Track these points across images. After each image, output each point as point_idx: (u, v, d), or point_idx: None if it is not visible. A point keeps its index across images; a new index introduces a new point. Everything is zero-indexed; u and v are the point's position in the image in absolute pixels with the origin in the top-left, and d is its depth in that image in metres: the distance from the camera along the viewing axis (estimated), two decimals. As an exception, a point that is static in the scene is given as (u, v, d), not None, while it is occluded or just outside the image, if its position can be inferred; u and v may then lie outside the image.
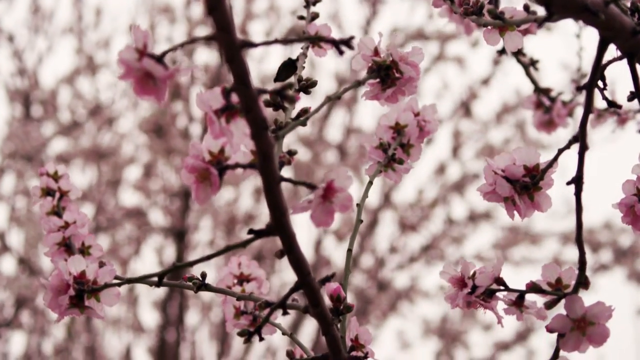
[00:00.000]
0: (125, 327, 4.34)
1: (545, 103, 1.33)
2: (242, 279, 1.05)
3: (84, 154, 3.76)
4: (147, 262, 4.30)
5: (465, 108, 4.07)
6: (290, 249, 0.72)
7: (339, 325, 0.85)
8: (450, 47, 4.09)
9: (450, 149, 4.33)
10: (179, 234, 3.98)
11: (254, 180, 4.15)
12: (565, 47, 4.34)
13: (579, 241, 0.77)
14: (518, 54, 1.25)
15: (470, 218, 4.44)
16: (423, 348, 4.50)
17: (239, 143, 0.72)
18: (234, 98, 0.70)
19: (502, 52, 1.24)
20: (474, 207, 4.45)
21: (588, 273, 0.78)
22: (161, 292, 4.36)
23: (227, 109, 0.70)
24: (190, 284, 0.91)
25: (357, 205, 0.95)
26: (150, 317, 4.45)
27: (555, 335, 0.77)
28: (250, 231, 0.74)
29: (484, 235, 4.53)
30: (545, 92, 1.31)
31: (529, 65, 1.28)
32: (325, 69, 4.46)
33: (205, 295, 4.50)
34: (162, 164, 3.87)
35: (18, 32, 4.27)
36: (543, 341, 4.34)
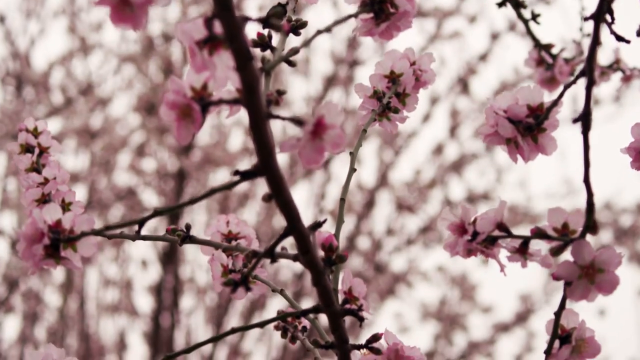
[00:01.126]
0: (120, 311, 4.30)
1: (547, 60, 1.28)
2: (231, 238, 1.00)
3: (75, 133, 3.71)
4: (140, 244, 4.25)
5: (463, 84, 4.02)
6: (279, 192, 0.67)
7: (331, 277, 0.80)
8: (447, 24, 4.05)
9: (447, 129, 4.28)
10: (173, 215, 3.93)
11: (250, 160, 4.11)
12: (564, 24, 4.29)
13: (587, 182, 0.72)
14: (518, 6, 1.20)
15: (469, 199, 4.40)
16: (421, 331, 4.46)
17: (223, 77, 0.67)
18: (217, 28, 0.66)
19: (501, 4, 1.19)
20: (472, 188, 4.41)
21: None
22: (155, 276, 4.32)
23: (210, 39, 0.66)
24: (174, 236, 0.86)
25: (351, 153, 0.91)
26: (144, 302, 4.41)
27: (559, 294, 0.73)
28: (236, 172, 0.70)
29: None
30: (547, 48, 1.26)
31: (530, 20, 1.23)
32: (321, 48, 4.40)
33: (201, 279, 4.46)
34: (154, 144, 3.82)
35: (10, 15, 4.22)
36: (543, 323, 4.29)
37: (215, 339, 0.78)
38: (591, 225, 0.73)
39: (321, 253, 0.79)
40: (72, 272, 4.27)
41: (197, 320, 4.47)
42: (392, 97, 0.95)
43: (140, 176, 3.85)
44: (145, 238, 0.88)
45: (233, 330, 0.78)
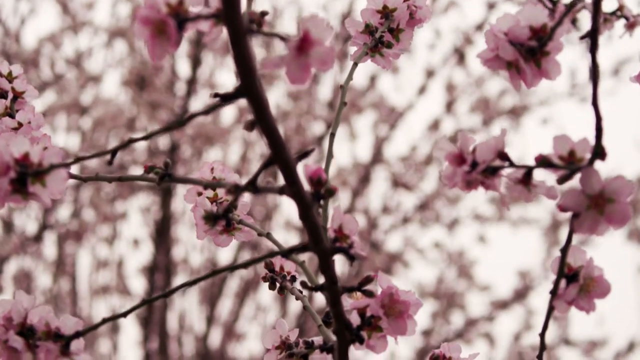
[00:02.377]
0: (112, 292, 4.26)
1: (547, 5, 1.23)
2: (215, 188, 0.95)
3: (65, 109, 3.66)
4: (133, 222, 4.21)
5: (459, 55, 3.97)
6: (262, 116, 0.62)
7: (320, 212, 0.75)
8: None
9: (444, 104, 4.23)
10: (165, 191, 3.89)
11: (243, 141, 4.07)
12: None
13: (595, 104, 0.67)
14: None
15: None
16: (418, 316, 4.41)
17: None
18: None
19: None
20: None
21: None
22: (148, 256, 4.27)
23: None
24: (151, 175, 0.81)
25: (341, 87, 0.86)
26: (137, 283, 4.36)
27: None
28: (216, 95, 0.65)
29: (480, 195, 4.45)
30: (547, -7, 1.20)
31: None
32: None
33: (195, 260, 4.42)
34: (145, 119, 3.77)
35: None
36: (542, 300, 4.26)
37: (196, 281, 0.73)
38: (600, 152, 0.68)
39: (309, 188, 0.74)
40: (64, 253, 4.22)
41: (190, 302, 4.43)
42: (385, 32, 0.91)
43: (130, 153, 3.80)
44: (122, 179, 0.84)
45: (214, 272, 0.73)
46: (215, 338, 4.36)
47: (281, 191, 0.69)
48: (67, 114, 3.72)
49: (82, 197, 4.03)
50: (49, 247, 4.14)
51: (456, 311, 4.29)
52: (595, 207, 0.67)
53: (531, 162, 0.71)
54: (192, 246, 4.40)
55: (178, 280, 4.39)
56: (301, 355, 0.84)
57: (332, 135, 0.81)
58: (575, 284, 0.71)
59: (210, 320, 4.28)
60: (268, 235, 0.83)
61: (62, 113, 3.75)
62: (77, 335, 0.76)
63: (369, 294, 0.75)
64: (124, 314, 0.76)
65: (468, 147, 0.71)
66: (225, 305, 4.38)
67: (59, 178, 0.71)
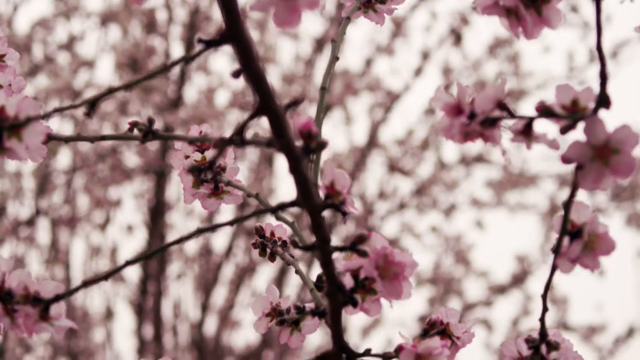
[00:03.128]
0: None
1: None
2: (204, 148, 0.92)
3: (58, 93, 3.62)
4: (127, 208, 4.18)
5: (456, 36, 3.93)
6: (248, 62, 0.59)
7: (311, 167, 0.72)
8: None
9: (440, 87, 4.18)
10: (159, 174, 3.85)
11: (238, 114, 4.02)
12: None
13: (600, 49, 0.64)
14: None
15: (463, 161, 4.32)
16: (416, 296, 4.39)
17: None
18: None
19: None
20: (466, 149, 4.33)
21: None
22: (142, 242, 4.24)
23: None
24: (135, 133, 0.78)
25: (333, 41, 0.83)
26: (131, 270, 4.33)
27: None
28: (200, 40, 0.61)
29: (478, 180, 4.42)
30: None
31: None
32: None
33: (189, 248, 4.39)
34: (138, 102, 3.73)
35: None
36: (540, 285, 4.23)
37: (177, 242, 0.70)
38: (604, 100, 0.64)
39: (299, 141, 0.71)
40: (57, 241, 4.19)
41: (185, 289, 4.40)
42: (378, -14, 0.87)
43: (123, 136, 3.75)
44: (105, 138, 0.80)
45: (199, 231, 0.70)
46: (210, 326, 4.33)
47: (269, 144, 0.66)
48: (60, 98, 3.68)
49: (75, 183, 3.99)
50: (42, 233, 4.11)
51: (453, 297, 4.26)
52: (599, 158, 0.64)
53: (532, 113, 0.68)
54: (187, 233, 4.36)
55: (173, 267, 4.36)
56: (292, 322, 0.81)
57: (323, 90, 0.78)
58: (579, 240, 0.68)
59: (205, 307, 4.25)
60: (257, 196, 0.80)
61: (55, 97, 3.71)
62: (57, 298, 0.73)
63: (363, 254, 0.72)
64: (105, 277, 0.72)
65: (466, 97, 0.68)
66: (220, 293, 4.35)
67: (36, 132, 0.68)
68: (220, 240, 4.40)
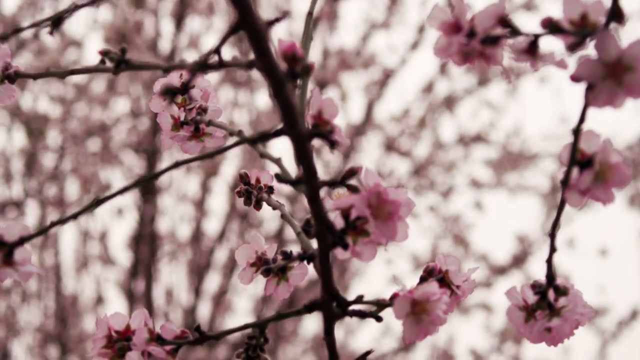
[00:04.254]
0: (96, 264, 4.18)
1: None
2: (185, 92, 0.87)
3: (44, 69, 3.56)
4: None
5: (452, 7, 3.86)
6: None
7: (297, 93, 0.67)
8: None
9: (437, 65, 4.15)
10: (150, 154, 3.80)
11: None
12: None
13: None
14: None
15: (461, 141, 4.27)
16: (414, 279, 4.33)
17: None
18: None
19: None
20: (464, 129, 4.29)
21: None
22: (132, 226, 4.19)
23: None
24: (107, 64, 0.72)
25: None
26: (122, 255, 4.28)
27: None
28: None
29: (477, 160, 4.37)
30: None
31: None
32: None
33: (182, 235, 4.34)
34: (127, 81, 3.67)
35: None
36: (541, 266, 4.18)
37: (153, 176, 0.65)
38: (617, 13, 0.59)
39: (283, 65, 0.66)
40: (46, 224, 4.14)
41: (178, 275, 4.35)
42: None
43: (112, 111, 3.71)
44: (75, 72, 0.75)
45: (177, 164, 0.65)
46: (203, 312, 4.28)
47: (250, 65, 0.61)
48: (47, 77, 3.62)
49: (64, 164, 3.94)
50: (31, 217, 4.06)
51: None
52: (612, 76, 0.59)
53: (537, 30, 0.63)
54: (179, 217, 4.32)
55: (164, 253, 4.31)
56: (279, 269, 0.76)
57: (310, 15, 0.73)
58: (590, 170, 0.63)
59: (198, 293, 4.21)
60: (239, 134, 0.75)
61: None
62: (22, 241, 0.68)
63: (353, 189, 0.67)
64: (75, 216, 0.67)
65: (465, 14, 0.63)
66: (213, 279, 4.30)
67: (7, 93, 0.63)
68: (212, 224, 4.35)
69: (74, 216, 0.66)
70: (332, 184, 0.67)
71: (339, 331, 4.26)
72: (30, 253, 0.68)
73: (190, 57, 3.86)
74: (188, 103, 0.85)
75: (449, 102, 4.09)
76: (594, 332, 4.11)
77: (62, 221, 0.65)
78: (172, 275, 4.27)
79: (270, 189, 0.83)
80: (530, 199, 4.37)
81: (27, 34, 3.75)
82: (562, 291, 0.71)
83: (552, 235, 0.67)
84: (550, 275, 0.70)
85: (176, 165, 0.64)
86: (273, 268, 0.76)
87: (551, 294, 0.72)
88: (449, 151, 4.30)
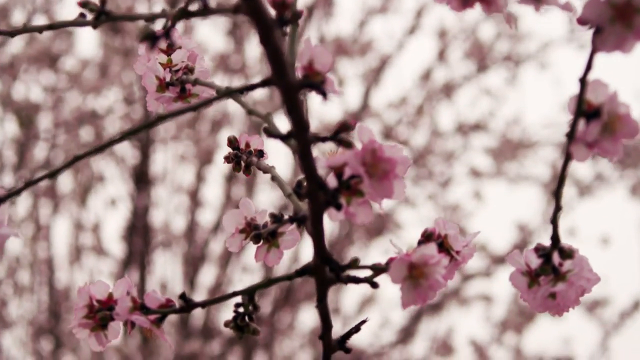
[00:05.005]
0: (89, 255, 4.15)
1: None
2: (170, 52, 0.84)
3: (36, 57, 3.53)
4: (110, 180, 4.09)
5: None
6: None
7: (287, 41, 0.64)
8: None
9: (436, 52, 4.11)
10: (143, 143, 3.76)
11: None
12: None
13: None
14: None
15: (460, 129, 4.24)
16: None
17: None
18: None
19: None
20: (463, 118, 4.25)
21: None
22: (126, 217, 4.16)
23: None
24: (84, 18, 0.69)
25: None
26: (115, 248, 4.25)
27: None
28: None
29: (476, 149, 4.34)
30: None
31: None
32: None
33: (176, 226, 4.30)
34: (119, 66, 3.63)
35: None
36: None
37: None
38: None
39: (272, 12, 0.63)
40: (38, 215, 4.12)
41: (172, 267, 4.31)
42: None
43: (104, 98, 3.67)
44: (53, 27, 0.72)
45: (159, 118, 0.62)
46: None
47: (236, 10, 0.58)
48: (37, 64, 3.60)
49: (56, 152, 3.90)
50: (22, 207, 4.03)
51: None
52: (621, 19, 0.56)
53: None
54: (173, 208, 4.28)
55: (158, 244, 4.28)
56: (269, 234, 0.73)
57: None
58: (597, 121, 0.60)
59: (192, 284, 4.18)
60: (227, 89, 0.71)
61: (31, 64, 3.63)
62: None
63: (347, 144, 0.64)
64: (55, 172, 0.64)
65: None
66: (207, 274, 4.27)
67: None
68: (207, 215, 4.32)
69: (52, 174, 0.62)
70: (324, 138, 0.63)
71: (335, 324, 4.23)
72: (6, 214, 0.65)
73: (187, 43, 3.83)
74: (173, 64, 0.82)
75: (448, 90, 4.05)
76: (595, 323, 4.09)
77: (36, 180, 0.62)
78: (166, 267, 4.23)
79: (261, 153, 0.80)
80: (530, 188, 4.34)
81: (17, 20, 3.72)
82: (567, 254, 0.67)
83: (557, 193, 0.64)
84: (555, 236, 0.66)
85: (159, 119, 0.61)
86: (263, 233, 0.73)
87: (556, 258, 0.68)
88: (448, 140, 4.26)
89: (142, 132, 0.61)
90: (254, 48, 3.94)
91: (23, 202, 4.10)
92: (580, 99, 0.60)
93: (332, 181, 0.65)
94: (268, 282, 0.69)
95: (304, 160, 0.61)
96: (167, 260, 4.24)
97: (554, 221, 0.65)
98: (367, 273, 0.73)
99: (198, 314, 4.22)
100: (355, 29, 4.03)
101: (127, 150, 4.00)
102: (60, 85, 3.71)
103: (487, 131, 4.26)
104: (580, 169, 4.21)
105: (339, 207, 0.65)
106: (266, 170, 0.77)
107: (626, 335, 4.12)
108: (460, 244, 0.74)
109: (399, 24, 3.98)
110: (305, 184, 0.65)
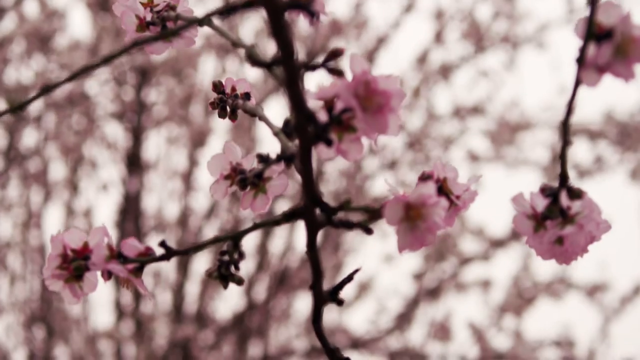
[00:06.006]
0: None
1: None
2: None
3: (25, 37, 3.48)
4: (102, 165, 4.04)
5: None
6: None
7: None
8: None
9: (432, 34, 4.07)
10: (135, 123, 3.72)
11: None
12: None
13: None
14: None
15: (457, 113, 4.19)
16: (409, 261, 4.27)
17: None
18: None
19: None
20: (460, 101, 4.20)
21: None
22: (117, 205, 4.11)
23: None
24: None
25: None
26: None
27: None
28: None
29: (473, 132, 4.29)
30: None
31: None
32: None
33: (169, 213, 4.26)
34: (109, 45, 3.57)
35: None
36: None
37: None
38: None
39: None
40: (30, 206, 4.08)
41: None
42: None
43: (94, 79, 3.61)
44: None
45: (136, 44, 0.57)
46: (192, 293, 4.20)
47: None
48: (28, 43, 3.54)
49: (46, 133, 3.85)
50: (13, 192, 3.98)
51: (450, 255, 4.13)
52: None
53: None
54: (166, 193, 4.23)
55: (152, 238, 4.23)
56: (255, 176, 0.68)
57: None
58: (609, 43, 0.55)
59: (185, 272, 4.13)
60: (208, 23, 0.67)
61: (21, 42, 3.58)
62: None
63: (338, 73, 0.59)
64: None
65: None
66: (201, 266, 4.23)
67: None
68: (201, 201, 4.27)
69: (20, 106, 0.58)
70: (313, 66, 0.59)
71: (331, 312, 4.18)
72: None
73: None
74: (154, 3, 0.78)
75: (445, 72, 4.01)
76: (595, 309, 4.04)
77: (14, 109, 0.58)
78: (159, 253, 4.17)
79: (247, 96, 0.76)
80: (529, 172, 4.29)
81: (7, 2, 3.67)
82: (576, 193, 0.63)
83: (566, 124, 0.59)
84: (564, 174, 0.62)
85: (135, 44, 0.57)
86: (249, 177, 0.69)
87: (564, 200, 0.64)
88: (445, 123, 4.22)
89: (119, 58, 0.56)
90: None
91: (14, 189, 4.06)
92: (590, 20, 0.56)
93: (322, 116, 0.61)
94: (254, 226, 0.65)
95: (291, 89, 0.57)
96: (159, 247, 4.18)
97: (562, 157, 0.61)
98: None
99: (192, 301, 4.18)
100: (351, 9, 3.98)
101: (118, 134, 3.95)
102: (51, 67, 3.65)
103: (484, 114, 4.21)
104: (580, 152, 4.17)
105: (329, 143, 0.60)
106: (252, 111, 0.72)
107: (627, 321, 4.08)
108: (461, 188, 0.70)
109: (394, 3, 3.91)
110: (292, 118, 0.60)
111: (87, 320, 4.12)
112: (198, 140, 3.82)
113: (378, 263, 4.35)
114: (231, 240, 0.65)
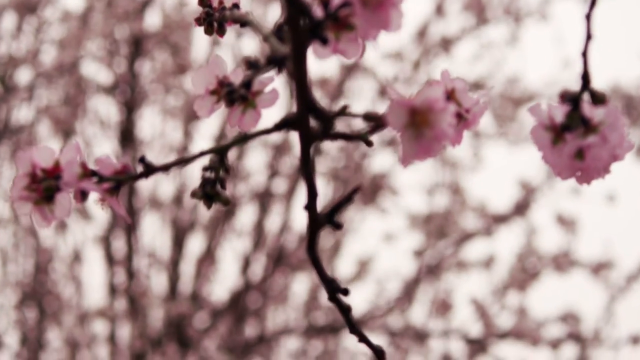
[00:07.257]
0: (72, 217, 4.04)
1: None
2: None
3: (14, 7, 3.42)
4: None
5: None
6: None
7: None
8: None
9: (433, 6, 4.01)
10: (127, 95, 3.66)
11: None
12: None
13: None
14: None
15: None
16: (409, 240, 4.21)
17: None
18: None
19: None
20: (462, 76, 4.13)
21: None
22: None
23: None
24: None
25: None
26: (99, 213, 4.14)
27: None
28: None
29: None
30: None
31: None
32: None
33: (164, 191, 4.20)
34: (100, 14, 3.51)
35: None
36: (545, 213, 4.06)
37: None
38: None
39: None
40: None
41: (160, 236, 4.21)
42: None
43: (83, 49, 3.55)
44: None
45: None
46: (187, 275, 4.15)
47: None
48: (18, 12, 3.48)
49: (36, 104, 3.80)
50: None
51: (451, 231, 4.08)
52: None
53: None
54: (165, 178, 4.17)
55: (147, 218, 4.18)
56: (243, 86, 0.63)
57: None
58: None
59: (181, 250, 4.08)
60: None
61: (10, 12, 3.52)
62: None
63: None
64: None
65: None
66: (197, 237, 4.16)
67: None
68: (196, 180, 4.20)
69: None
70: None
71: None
72: None
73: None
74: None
75: (446, 44, 3.94)
76: (601, 287, 3.99)
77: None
78: (154, 232, 4.13)
79: (235, 7, 0.70)
80: (532, 150, 4.23)
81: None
82: (600, 98, 0.57)
83: (589, 16, 0.54)
84: (586, 75, 0.56)
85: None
86: (237, 89, 0.63)
87: (586, 109, 0.58)
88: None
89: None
90: None
91: (4, 166, 4.00)
92: None
93: (317, 11, 0.55)
94: (243, 138, 0.59)
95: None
96: (154, 225, 4.13)
97: (585, 54, 0.55)
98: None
99: (187, 278, 4.12)
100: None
101: (111, 110, 3.89)
102: (40, 37, 3.59)
103: (487, 89, 4.15)
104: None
105: (324, 41, 0.54)
106: (240, 18, 0.66)
107: (633, 299, 4.04)
108: (470, 101, 0.64)
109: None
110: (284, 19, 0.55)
111: (80, 301, 4.07)
112: (193, 112, 3.75)
113: (378, 243, 4.30)
114: (216, 153, 0.59)
